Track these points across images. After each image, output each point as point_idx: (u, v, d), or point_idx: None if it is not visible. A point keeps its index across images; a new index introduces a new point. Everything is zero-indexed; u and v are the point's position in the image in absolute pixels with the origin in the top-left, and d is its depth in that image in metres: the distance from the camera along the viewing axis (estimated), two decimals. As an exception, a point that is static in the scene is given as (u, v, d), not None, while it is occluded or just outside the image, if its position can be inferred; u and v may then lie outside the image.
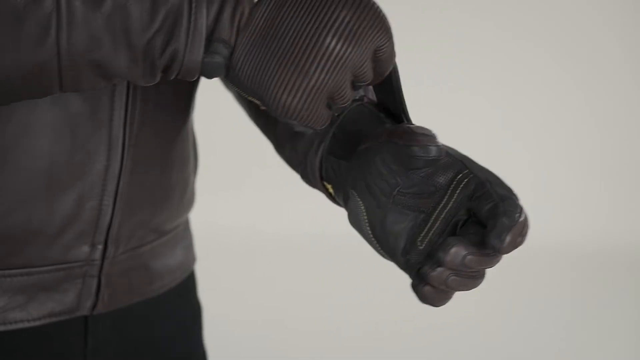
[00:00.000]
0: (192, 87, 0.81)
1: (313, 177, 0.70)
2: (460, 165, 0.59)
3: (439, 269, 0.55)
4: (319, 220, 3.24)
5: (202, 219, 2.63)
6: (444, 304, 0.58)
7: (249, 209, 3.40)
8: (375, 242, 0.61)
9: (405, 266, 0.59)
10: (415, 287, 0.58)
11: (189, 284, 0.91)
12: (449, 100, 3.55)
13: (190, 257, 0.92)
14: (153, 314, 0.85)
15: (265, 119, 0.79)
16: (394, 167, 0.59)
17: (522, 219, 0.54)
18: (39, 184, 0.69)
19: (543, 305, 2.73)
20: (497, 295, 2.79)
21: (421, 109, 3.91)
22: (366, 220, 0.61)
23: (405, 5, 3.52)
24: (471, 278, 0.56)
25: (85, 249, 0.73)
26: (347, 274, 2.91)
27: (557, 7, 3.56)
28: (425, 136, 0.58)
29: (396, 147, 0.59)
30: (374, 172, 0.60)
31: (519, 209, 0.55)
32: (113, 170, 0.71)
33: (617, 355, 2.39)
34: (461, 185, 0.57)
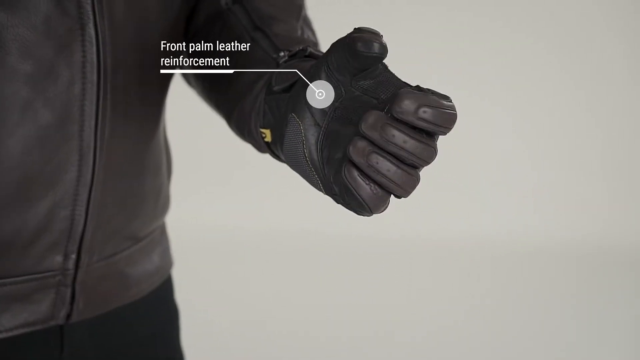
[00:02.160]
0: (161, 95, 0.81)
1: (255, 129, 0.68)
2: (400, 82, 0.57)
3: (359, 142, 0.52)
4: (304, 217, 3.25)
5: (184, 218, 2.65)
6: (377, 207, 0.53)
7: (231, 208, 3.39)
8: (309, 165, 0.59)
9: (339, 181, 0.55)
10: (346, 188, 0.54)
11: (166, 288, 0.92)
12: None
13: (167, 262, 0.92)
14: (130, 319, 0.85)
15: (217, 94, 0.78)
16: (337, 75, 0.57)
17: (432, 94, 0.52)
18: (10, 195, 0.69)
19: (543, 305, 2.73)
20: (498, 294, 2.81)
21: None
22: (303, 142, 0.59)
23: (406, 6, 3.53)
24: (395, 165, 0.52)
25: (59, 258, 0.73)
26: (334, 272, 2.92)
27: (561, 10, 3.56)
28: (371, 34, 0.55)
29: (341, 49, 0.56)
30: (317, 85, 0.58)
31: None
32: (85, 180, 0.71)
33: (618, 354, 2.39)
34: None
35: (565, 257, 3.24)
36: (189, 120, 2.53)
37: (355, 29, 0.56)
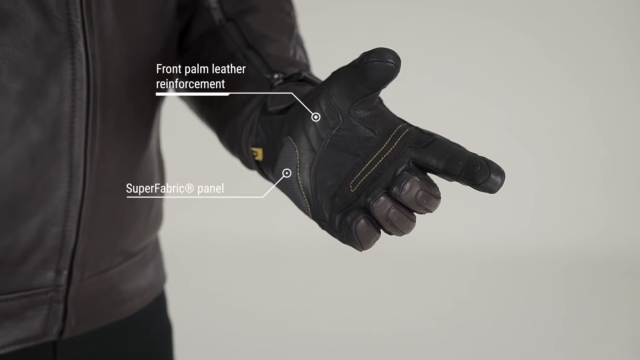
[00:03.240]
0: (153, 110, 0.81)
1: (246, 147, 0.69)
2: (398, 118, 0.59)
3: (383, 199, 0.55)
4: (303, 223, 3.24)
5: (178, 226, 2.64)
6: (369, 246, 0.57)
7: (226, 215, 3.39)
8: (300, 188, 0.60)
9: (329, 209, 0.58)
10: (345, 225, 0.56)
11: (159, 303, 0.92)
12: (448, 102, 3.56)
13: (160, 277, 0.92)
14: (123, 335, 0.85)
15: (209, 109, 0.79)
16: (336, 103, 0.59)
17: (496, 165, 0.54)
18: (1, 212, 0.69)
19: (541, 310, 2.74)
20: (496, 299, 2.81)
21: (419, 109, 3.93)
22: (297, 165, 0.60)
23: (407, 6, 3.53)
24: (408, 218, 0.55)
25: (50, 275, 0.73)
26: (331, 280, 2.92)
27: (564, 12, 3.57)
28: (384, 48, 0.56)
29: (346, 74, 0.57)
30: (315, 111, 0.60)
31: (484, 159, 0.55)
32: (75, 197, 0.72)
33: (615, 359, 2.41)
34: (402, 134, 0.57)
35: (562, 263, 3.25)
36: (185, 124, 2.53)
37: (362, 53, 0.57)
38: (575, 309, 2.77)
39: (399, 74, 0.55)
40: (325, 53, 3.48)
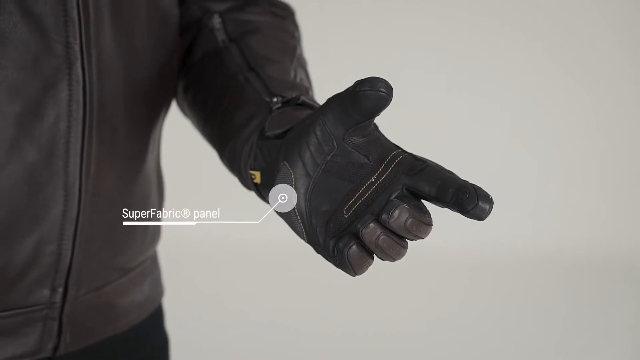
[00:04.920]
0: (151, 129, 0.82)
1: (245, 169, 0.70)
2: (392, 144, 0.59)
3: (372, 225, 0.55)
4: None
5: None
6: (362, 272, 0.57)
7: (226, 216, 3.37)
8: (296, 213, 0.61)
9: (324, 234, 0.59)
10: (338, 250, 0.57)
11: (156, 317, 0.92)
12: (447, 104, 3.55)
13: (157, 291, 0.92)
14: (119, 350, 0.86)
15: (210, 129, 0.80)
16: (331, 129, 0.59)
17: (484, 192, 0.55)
18: None
19: (541, 313, 2.73)
20: (496, 301, 2.81)
21: (417, 110, 3.87)
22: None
23: (408, 6, 3.52)
24: (398, 245, 0.56)
25: (46, 292, 0.74)
26: (330, 285, 2.92)
27: (564, 13, 3.56)
28: (376, 77, 0.57)
29: (340, 101, 0.58)
30: (311, 137, 0.60)
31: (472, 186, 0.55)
32: (71, 215, 0.72)
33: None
34: (396, 161, 0.57)
35: (561, 265, 3.24)
36: (182, 145, 2.52)
37: (356, 81, 0.57)
38: (574, 312, 2.77)
39: (391, 101, 0.56)
40: (325, 53, 3.49)
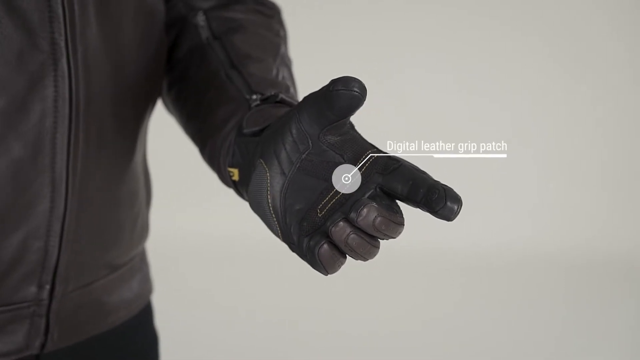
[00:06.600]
0: (137, 126, 0.81)
1: (224, 166, 0.70)
2: (368, 144, 0.59)
3: (342, 224, 0.56)
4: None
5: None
6: (334, 271, 0.58)
7: (209, 215, 3.36)
8: (271, 211, 0.61)
9: (298, 232, 0.59)
10: (309, 249, 0.57)
11: (145, 314, 0.92)
12: (446, 103, 3.54)
13: (146, 288, 0.92)
14: (108, 347, 0.86)
15: (192, 126, 0.80)
16: (306, 128, 0.59)
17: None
18: None
19: (540, 313, 2.74)
20: (495, 301, 2.80)
21: (417, 110, 3.86)
22: (267, 188, 0.61)
23: (408, 5, 3.52)
24: (368, 244, 0.56)
25: (33, 289, 0.74)
26: (325, 285, 2.91)
27: (564, 13, 3.55)
28: (350, 77, 0.57)
29: (315, 100, 0.58)
30: (286, 135, 0.60)
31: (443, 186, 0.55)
32: (57, 212, 0.72)
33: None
34: (370, 160, 0.58)
35: (561, 265, 3.24)
36: (168, 125, 2.51)
37: (330, 80, 0.58)
38: (574, 312, 2.77)
39: (365, 102, 0.56)
40: (325, 52, 3.49)
